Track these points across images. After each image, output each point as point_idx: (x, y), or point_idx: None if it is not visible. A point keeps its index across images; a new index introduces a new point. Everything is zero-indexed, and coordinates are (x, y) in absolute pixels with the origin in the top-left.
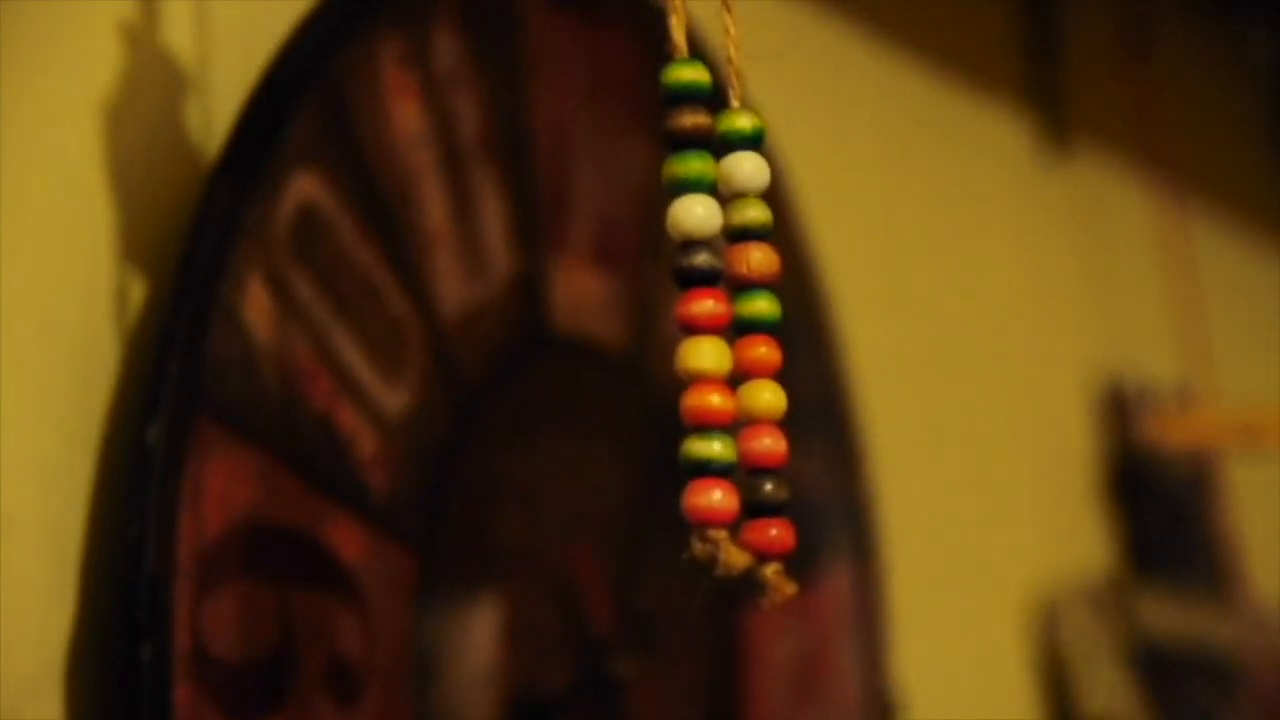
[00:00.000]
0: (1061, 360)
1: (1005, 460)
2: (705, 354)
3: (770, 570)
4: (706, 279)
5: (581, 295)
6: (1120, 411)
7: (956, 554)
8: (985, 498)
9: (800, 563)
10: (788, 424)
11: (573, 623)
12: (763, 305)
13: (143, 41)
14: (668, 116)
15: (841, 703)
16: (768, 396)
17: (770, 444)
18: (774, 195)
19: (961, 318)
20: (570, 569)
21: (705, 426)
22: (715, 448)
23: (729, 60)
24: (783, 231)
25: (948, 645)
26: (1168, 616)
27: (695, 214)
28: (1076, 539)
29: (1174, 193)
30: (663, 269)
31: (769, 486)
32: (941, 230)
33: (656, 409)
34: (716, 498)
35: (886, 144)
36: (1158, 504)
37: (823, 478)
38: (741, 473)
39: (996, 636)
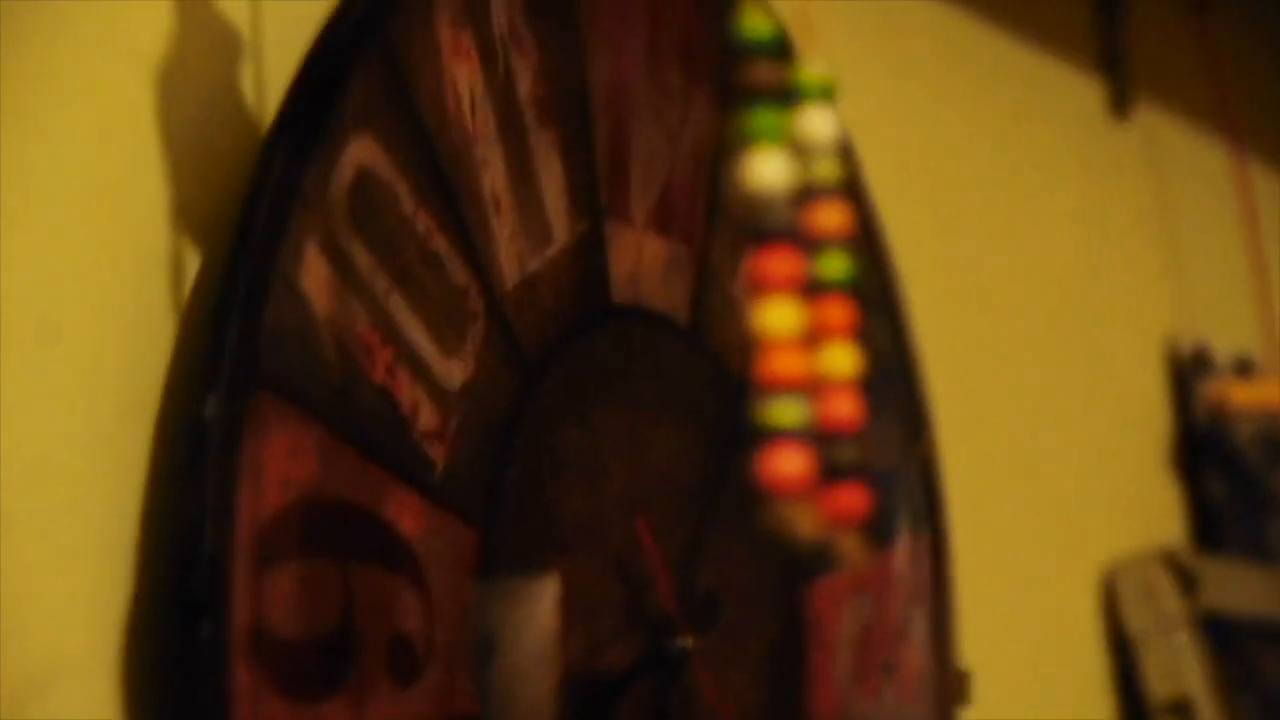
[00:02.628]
0: (1129, 325)
1: (1071, 429)
2: (779, 314)
3: (847, 540)
4: (779, 236)
5: (642, 262)
6: (1189, 378)
7: (1022, 524)
8: (1051, 466)
9: (870, 530)
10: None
11: (635, 599)
12: (837, 263)
13: (195, 5)
14: (738, 68)
15: (909, 676)
16: (844, 358)
17: (847, 408)
18: (840, 157)
19: (1027, 281)
20: (632, 544)
21: (778, 390)
22: (789, 412)
23: (799, 12)
24: (852, 200)
25: (1014, 618)
26: (1237, 588)
27: (767, 169)
28: (1145, 509)
29: (1238, 151)
30: (726, 232)
31: (846, 452)
32: (1007, 192)
33: (720, 378)
34: (790, 464)
35: (952, 102)
36: (1227, 473)
37: (889, 447)
38: (816, 438)
39: (1063, 609)
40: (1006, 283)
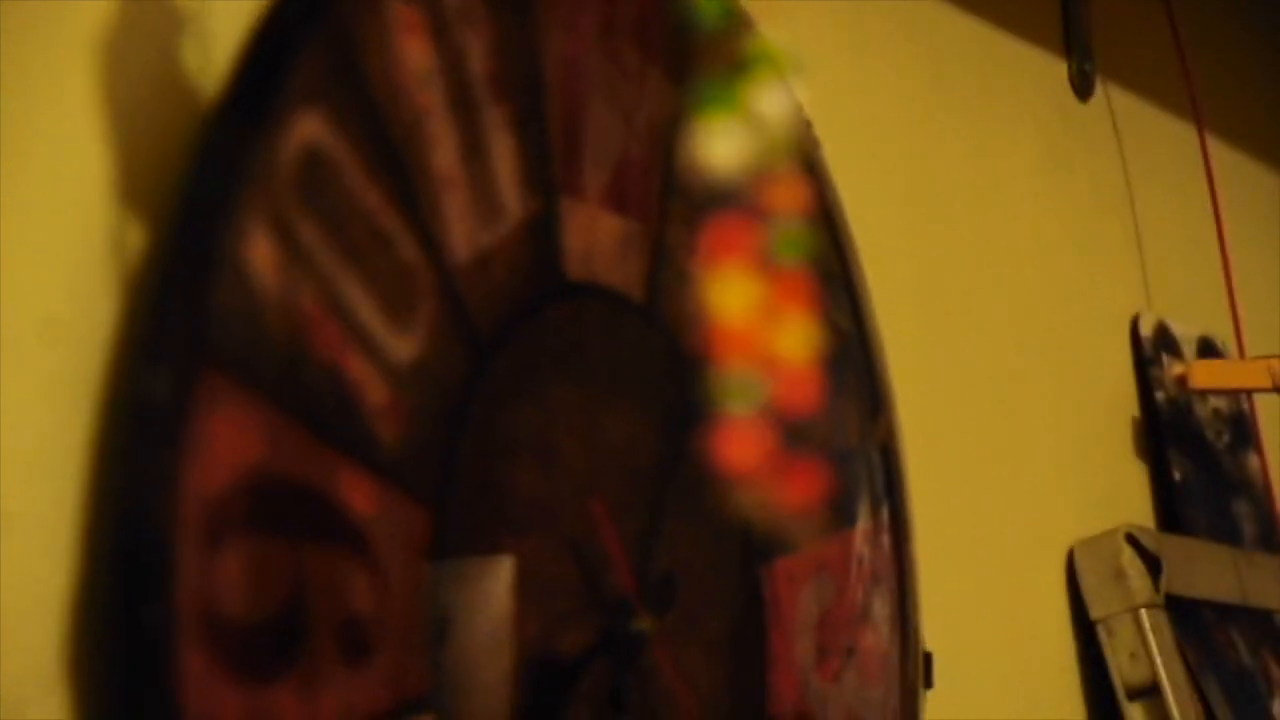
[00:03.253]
0: (1092, 305)
1: (1034, 409)
2: (735, 291)
3: (803, 519)
4: (735, 210)
5: (596, 239)
6: (1152, 359)
7: (985, 505)
8: (1014, 447)
9: (829, 511)
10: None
11: (591, 580)
12: (791, 237)
13: None
14: (691, 44)
15: (870, 658)
16: (801, 337)
17: (802, 385)
18: (799, 135)
19: (989, 262)
20: (588, 525)
21: (735, 368)
22: (746, 391)
23: None
24: (808, 172)
25: (977, 599)
26: (1202, 569)
27: (721, 144)
28: (1109, 490)
29: (1201, 131)
30: (681, 211)
31: (801, 432)
32: (969, 172)
33: (676, 356)
34: (747, 443)
35: (914, 82)
36: (1191, 454)
37: (848, 427)
38: (773, 417)
39: (1027, 590)
40: (968, 263)
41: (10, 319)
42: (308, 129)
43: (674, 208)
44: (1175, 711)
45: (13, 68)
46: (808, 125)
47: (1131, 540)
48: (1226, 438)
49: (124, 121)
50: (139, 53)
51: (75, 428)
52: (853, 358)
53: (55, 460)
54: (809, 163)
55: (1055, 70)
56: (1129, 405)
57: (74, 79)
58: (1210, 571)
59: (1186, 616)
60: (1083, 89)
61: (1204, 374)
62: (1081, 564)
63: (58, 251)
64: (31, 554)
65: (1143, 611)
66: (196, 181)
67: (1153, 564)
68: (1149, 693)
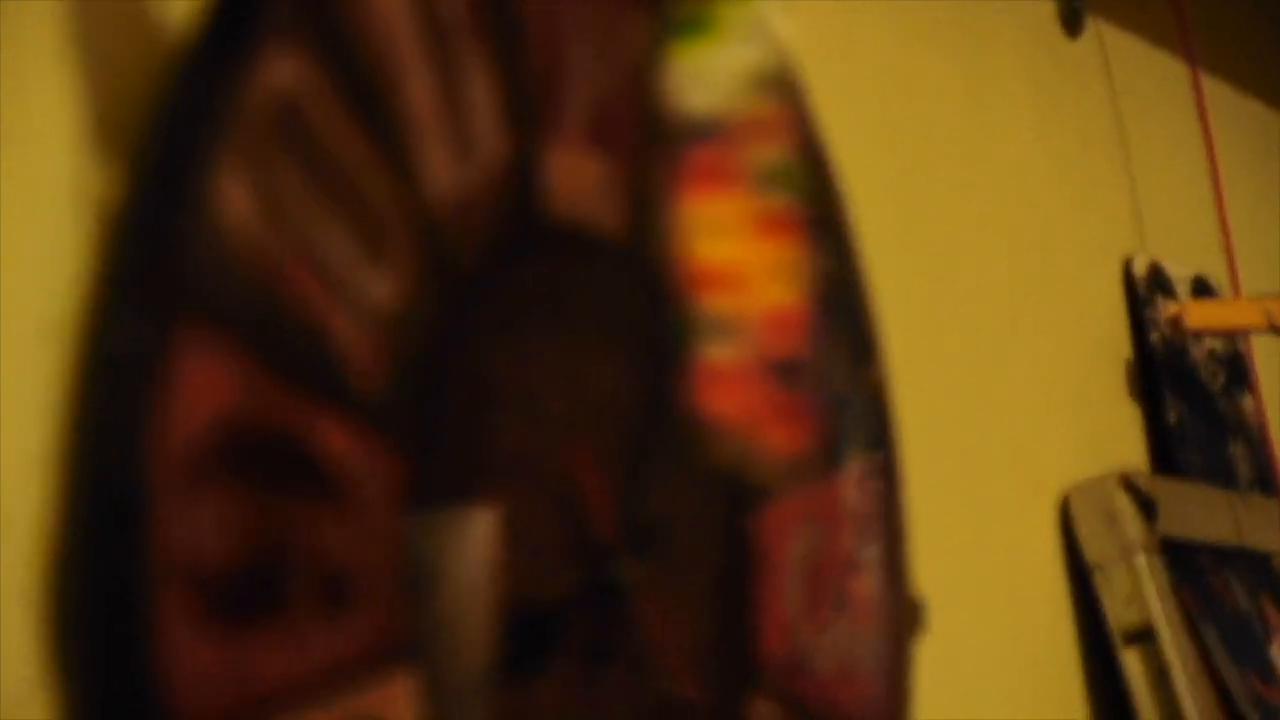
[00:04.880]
0: (1085, 246)
1: (1026, 352)
2: (716, 227)
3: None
4: (715, 148)
5: (577, 180)
6: (1145, 299)
7: (977, 450)
8: (1006, 390)
9: (817, 456)
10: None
11: (573, 529)
12: (776, 171)
13: None
14: None
15: (861, 605)
16: (785, 273)
17: (789, 327)
18: (781, 73)
19: (980, 203)
20: (570, 472)
21: (718, 308)
22: (729, 331)
23: None
24: (795, 116)
25: (970, 545)
26: (1197, 512)
27: (701, 82)
28: (1102, 433)
29: (1193, 67)
30: (662, 151)
31: (789, 375)
32: (959, 111)
33: (659, 299)
34: (732, 386)
35: (903, 21)
36: (1185, 396)
37: (838, 372)
38: (758, 359)
39: (1020, 535)
40: (958, 205)
41: None
42: (280, 71)
43: (655, 147)
44: (1172, 656)
45: None
46: (791, 62)
47: (1126, 484)
48: (1221, 379)
49: (92, 67)
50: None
51: (53, 374)
52: (840, 302)
53: (31, 407)
54: (792, 100)
55: (1044, 8)
56: (1122, 347)
57: (43, 26)
58: (1206, 514)
59: (1183, 560)
60: (1073, 26)
61: (1198, 314)
62: (1076, 509)
63: (29, 200)
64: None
65: (1138, 555)
66: (168, 127)
67: (1148, 508)
68: (1145, 637)
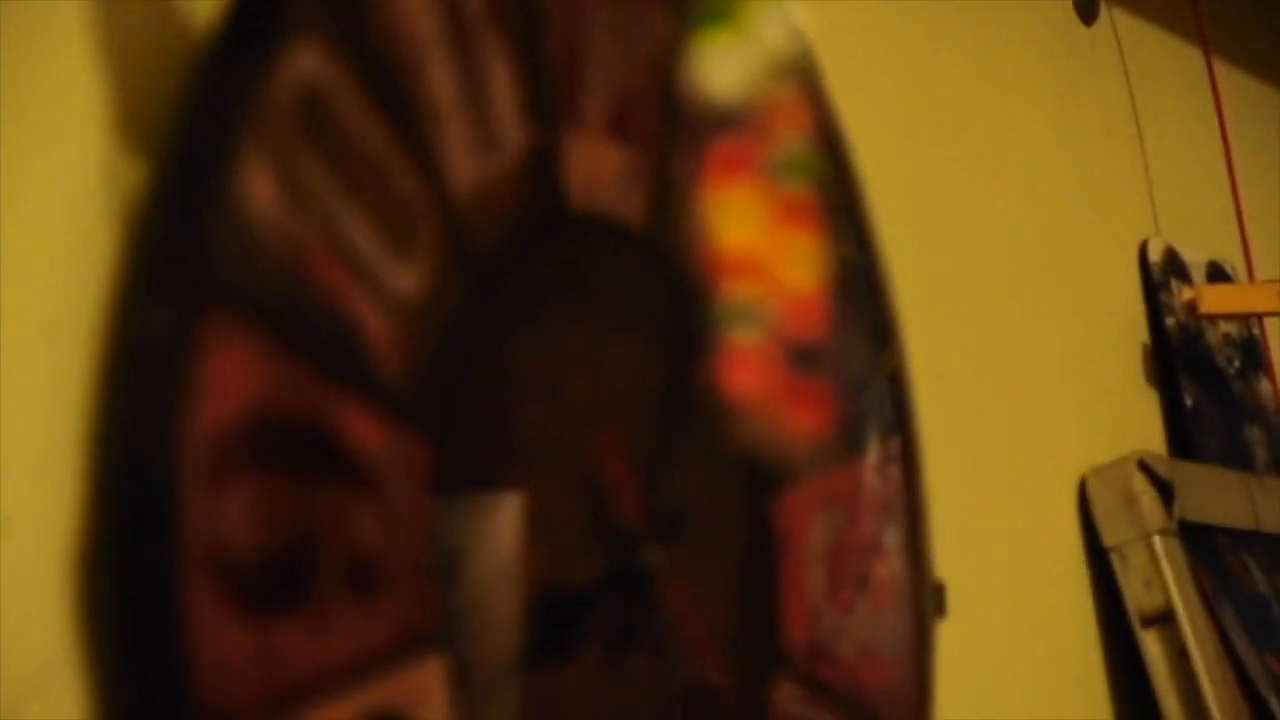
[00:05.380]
0: (1101, 231)
1: (1044, 336)
2: (736, 215)
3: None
4: (736, 136)
5: (598, 169)
6: (1162, 284)
7: (996, 434)
8: (1025, 375)
9: (838, 440)
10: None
11: (599, 514)
12: (795, 160)
13: None
14: None
15: (883, 588)
16: (805, 260)
17: (809, 311)
18: (800, 61)
19: (997, 189)
20: (595, 459)
21: (739, 294)
22: (751, 317)
23: None
24: (811, 101)
25: (989, 528)
26: (1214, 495)
27: (722, 71)
28: (1120, 417)
29: (1207, 54)
30: (683, 140)
31: (809, 359)
32: (975, 98)
33: (680, 286)
34: (754, 371)
35: (918, 8)
36: (1201, 380)
37: (857, 357)
38: (779, 343)
39: (1039, 518)
40: (976, 191)
41: (8, 261)
42: (304, 62)
43: (676, 136)
44: (1190, 638)
45: (6, 8)
46: (809, 51)
47: (1144, 467)
48: (1237, 363)
49: (117, 58)
50: None
51: (78, 370)
52: (860, 287)
53: (59, 397)
54: (811, 89)
55: None
56: (1139, 332)
57: (69, 17)
58: (1223, 497)
59: (1200, 543)
60: (1087, 13)
61: (1213, 299)
62: (1094, 492)
63: (56, 191)
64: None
65: (1156, 538)
66: (194, 118)
67: (1165, 491)
68: (1163, 619)
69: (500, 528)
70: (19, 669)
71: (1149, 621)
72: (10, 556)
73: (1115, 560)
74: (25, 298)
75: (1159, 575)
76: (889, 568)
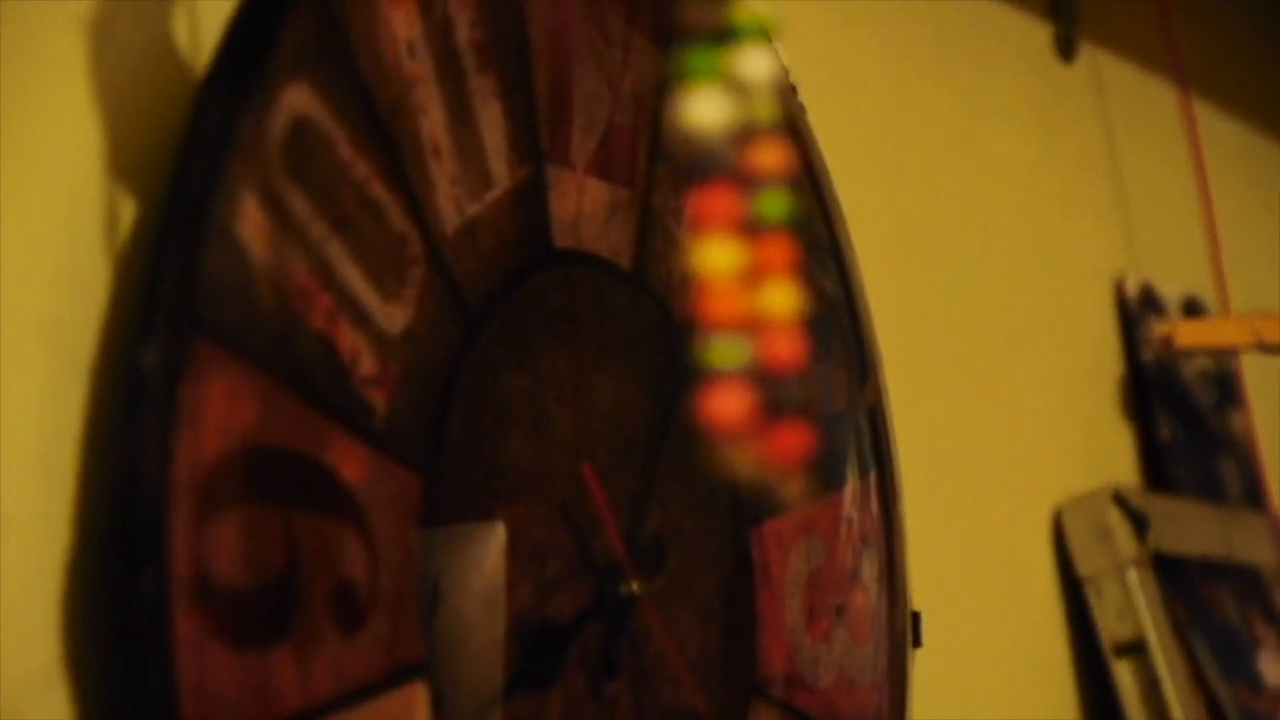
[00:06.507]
0: (1078, 266)
1: (1020, 370)
2: (720, 253)
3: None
4: (719, 175)
5: (584, 207)
6: (1137, 319)
7: (972, 466)
8: (1001, 408)
9: (817, 473)
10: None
11: (582, 545)
12: (776, 202)
13: None
14: (675, 10)
15: (860, 617)
16: (785, 297)
17: (788, 346)
18: (784, 100)
19: (975, 224)
20: (578, 490)
21: (721, 329)
22: (732, 351)
23: None
24: (793, 139)
25: (965, 559)
26: (1188, 527)
27: (706, 110)
28: (1095, 450)
29: (1185, 92)
30: (667, 177)
31: (789, 395)
32: (954, 134)
33: (664, 322)
34: (734, 402)
35: (898, 44)
36: (1176, 413)
37: (837, 390)
38: (758, 377)
39: (1014, 550)
40: (953, 226)
41: (3, 292)
42: (296, 100)
43: (660, 174)
44: (1163, 668)
45: (4, 43)
46: (792, 90)
47: (1118, 499)
48: (1213, 397)
49: (114, 95)
50: (128, 27)
51: (70, 401)
52: (840, 323)
53: (49, 428)
54: (794, 128)
55: (1039, 33)
56: (1115, 366)
57: (65, 53)
58: (1197, 529)
59: (1174, 574)
60: (1067, 52)
61: (1188, 333)
62: (1069, 523)
63: (49, 227)
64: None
65: (1130, 570)
66: (187, 154)
67: (1139, 523)
68: (1136, 649)
69: (485, 558)
70: (17, 669)
71: (1122, 651)
72: (10, 556)
73: (1089, 591)
74: (24, 301)
75: (1132, 606)
76: (866, 598)
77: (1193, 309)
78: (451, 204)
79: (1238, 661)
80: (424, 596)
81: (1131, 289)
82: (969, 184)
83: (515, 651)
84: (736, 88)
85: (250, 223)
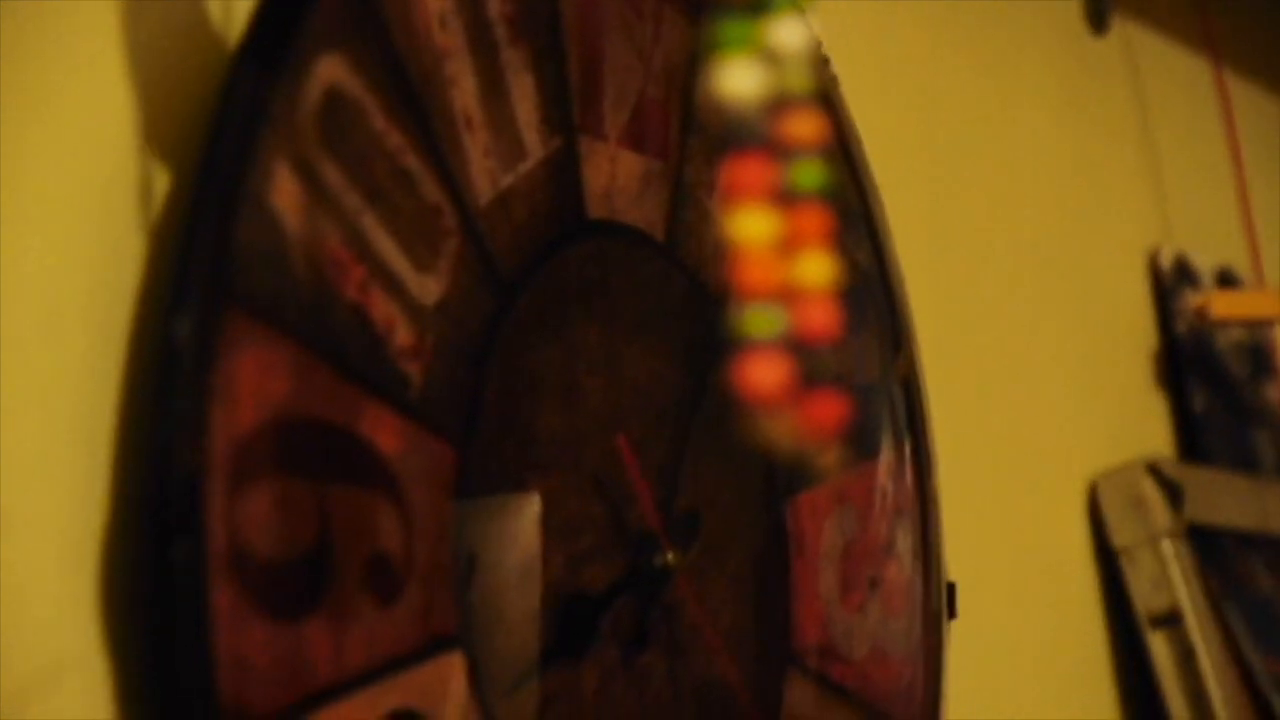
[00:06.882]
0: (1111, 239)
1: (1054, 342)
2: (754, 223)
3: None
4: (753, 145)
5: (616, 178)
6: (1171, 291)
7: (1007, 438)
8: (1035, 380)
9: (851, 444)
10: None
11: (616, 516)
12: (810, 172)
13: None
14: None
15: (894, 589)
16: (819, 267)
17: (822, 316)
18: (816, 70)
19: (1008, 196)
20: (612, 461)
21: (755, 299)
22: (766, 320)
23: None
24: (827, 110)
25: (1000, 531)
26: (1223, 498)
27: (738, 80)
28: (1129, 421)
29: (1217, 63)
30: (700, 148)
31: (823, 365)
32: (986, 106)
33: (697, 292)
34: (768, 372)
35: (930, 16)
36: (1211, 385)
37: (870, 361)
38: (793, 346)
39: (1049, 521)
40: (987, 197)
41: (38, 266)
42: (329, 72)
43: (693, 145)
44: (1197, 639)
45: (38, 16)
46: (824, 61)
47: (1153, 471)
48: (1247, 368)
49: (148, 68)
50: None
51: (105, 373)
52: (873, 294)
53: (84, 400)
54: (826, 98)
55: (1070, 6)
56: (1148, 337)
57: (99, 27)
58: (1231, 500)
59: (1208, 545)
60: (1098, 24)
61: (1223, 304)
62: (1103, 495)
63: (83, 200)
64: (61, 462)
65: (1164, 541)
66: (220, 126)
67: (1174, 494)
68: (1171, 620)
69: (519, 529)
70: (55, 642)
71: (1157, 623)
72: (9, 555)
73: (1124, 562)
74: (59, 275)
75: (1167, 577)
76: (900, 569)
77: (1227, 280)
78: (485, 175)
79: (1273, 633)
80: (458, 568)
81: (1166, 261)
82: (1002, 156)
83: (549, 623)
84: (769, 59)
85: (284, 194)
